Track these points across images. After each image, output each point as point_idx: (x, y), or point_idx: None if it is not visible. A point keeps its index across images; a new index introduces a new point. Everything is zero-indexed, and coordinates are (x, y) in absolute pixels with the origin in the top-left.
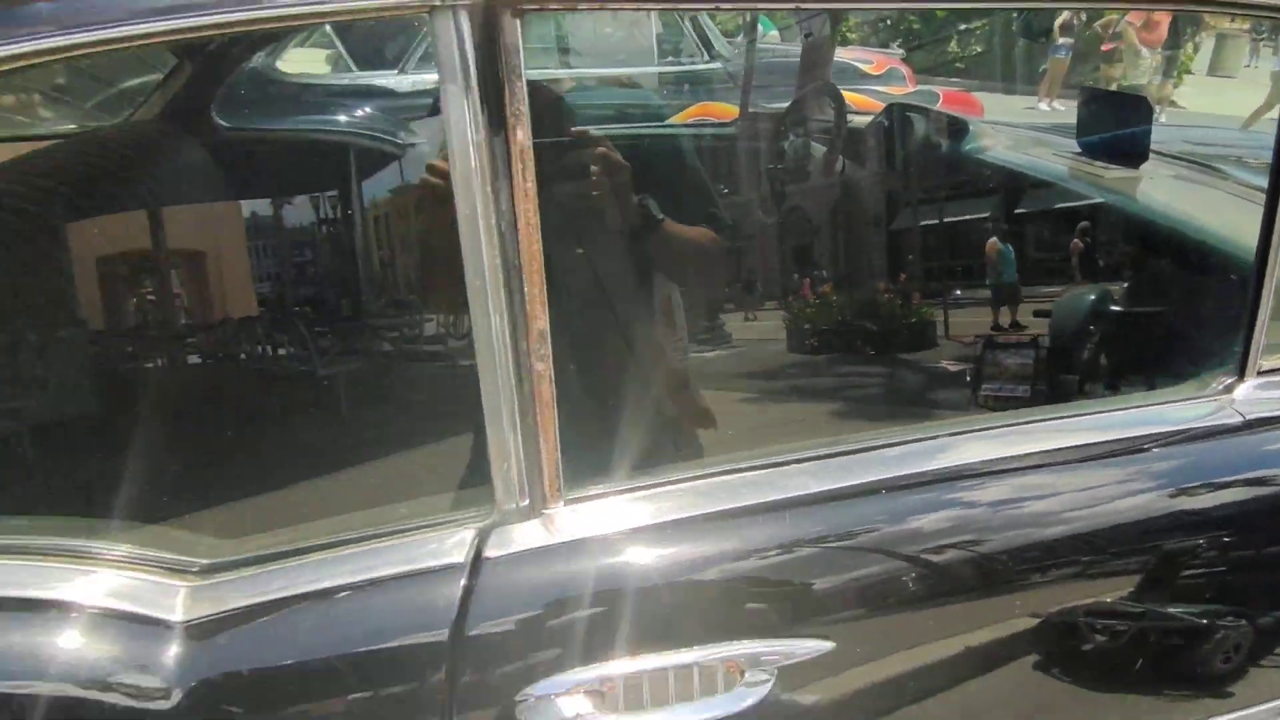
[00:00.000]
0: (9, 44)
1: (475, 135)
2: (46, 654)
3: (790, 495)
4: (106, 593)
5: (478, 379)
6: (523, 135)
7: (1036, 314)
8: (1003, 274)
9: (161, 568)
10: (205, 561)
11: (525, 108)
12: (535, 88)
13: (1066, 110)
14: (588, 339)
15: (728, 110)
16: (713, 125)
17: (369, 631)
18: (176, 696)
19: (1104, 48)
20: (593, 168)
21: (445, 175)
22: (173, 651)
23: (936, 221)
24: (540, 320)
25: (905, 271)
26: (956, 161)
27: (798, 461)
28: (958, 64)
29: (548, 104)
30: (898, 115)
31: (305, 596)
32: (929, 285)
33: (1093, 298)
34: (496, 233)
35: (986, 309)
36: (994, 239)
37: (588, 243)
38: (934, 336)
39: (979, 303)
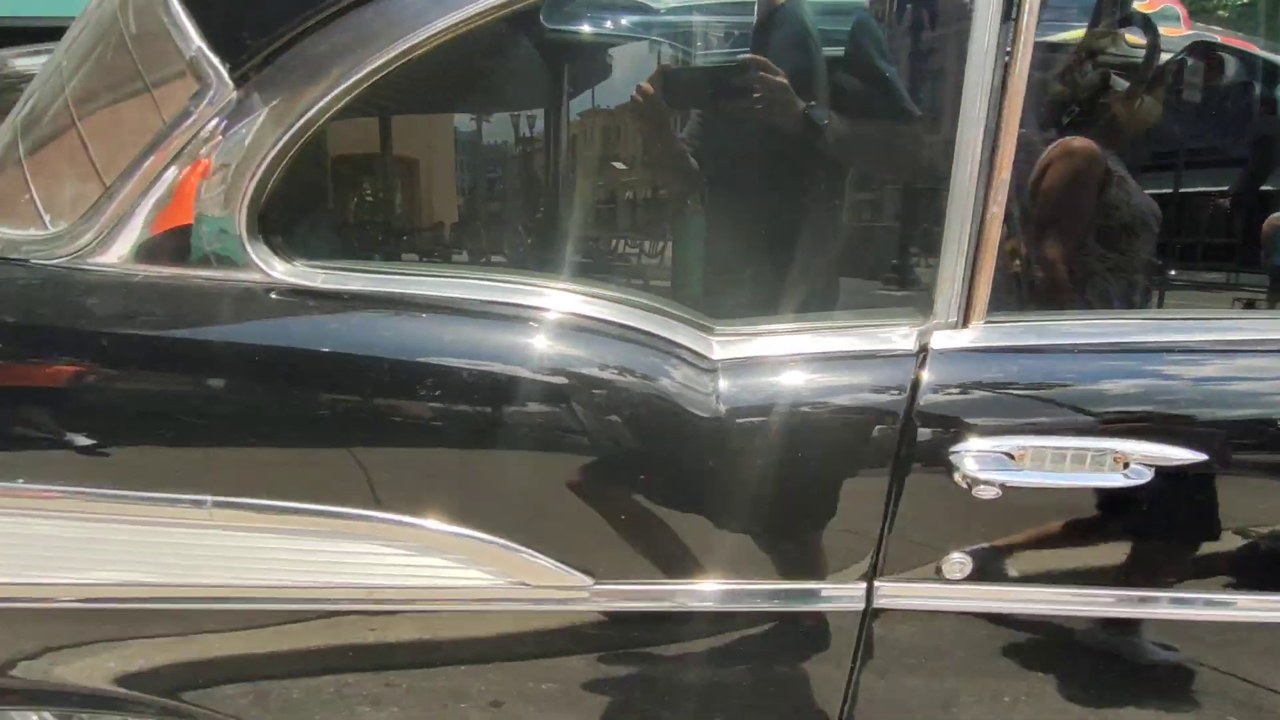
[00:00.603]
0: None
1: (990, 24)
2: (650, 361)
3: (1177, 339)
4: (674, 334)
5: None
6: (1027, 23)
7: None
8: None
9: (695, 325)
10: (718, 327)
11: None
12: None
13: None
14: None
15: None
16: None
17: (842, 388)
18: (719, 408)
19: None
20: (754, 85)
21: (647, 95)
22: (718, 380)
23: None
24: (1004, 172)
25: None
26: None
27: (1182, 319)
28: (1220, 10)
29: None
30: (1203, 53)
31: (790, 357)
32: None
33: None
34: (987, 100)
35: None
36: (1278, 214)
37: None
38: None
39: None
